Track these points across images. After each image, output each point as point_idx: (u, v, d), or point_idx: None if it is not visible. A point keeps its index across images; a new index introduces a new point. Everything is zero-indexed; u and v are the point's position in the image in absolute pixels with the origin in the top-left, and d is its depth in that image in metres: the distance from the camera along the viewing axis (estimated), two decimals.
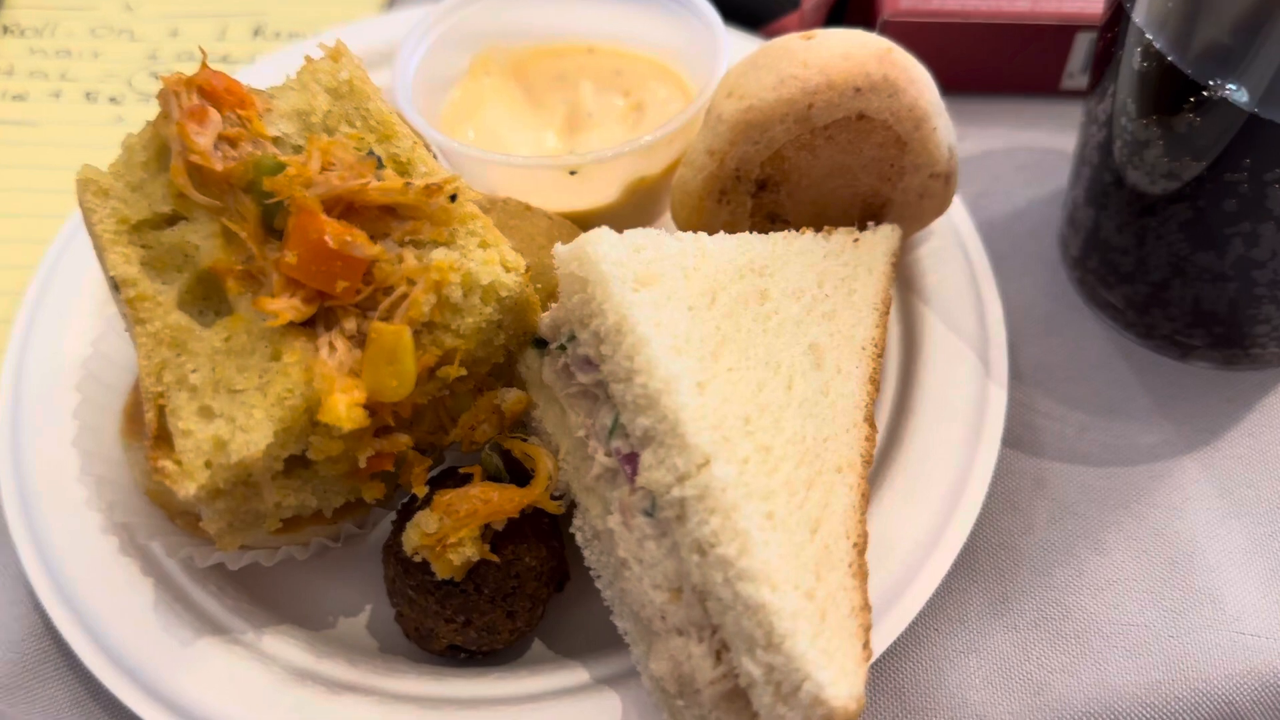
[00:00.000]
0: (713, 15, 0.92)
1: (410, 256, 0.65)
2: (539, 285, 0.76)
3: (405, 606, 0.70)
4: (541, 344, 0.72)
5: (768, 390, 0.66)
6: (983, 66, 1.03)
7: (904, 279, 0.88)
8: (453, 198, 0.66)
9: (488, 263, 0.66)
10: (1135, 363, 0.88)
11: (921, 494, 0.76)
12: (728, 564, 0.58)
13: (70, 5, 1.16)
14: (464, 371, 0.67)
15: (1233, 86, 0.69)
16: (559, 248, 0.68)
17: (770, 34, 1.04)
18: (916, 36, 1.01)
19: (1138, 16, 0.73)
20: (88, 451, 0.75)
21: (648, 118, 0.94)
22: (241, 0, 1.17)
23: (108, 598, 0.72)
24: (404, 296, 0.64)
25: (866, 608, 0.61)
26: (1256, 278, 0.78)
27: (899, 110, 0.77)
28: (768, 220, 0.84)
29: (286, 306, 0.62)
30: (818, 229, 0.81)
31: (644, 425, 0.63)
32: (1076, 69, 1.03)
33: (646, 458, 0.63)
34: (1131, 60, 0.75)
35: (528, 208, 0.83)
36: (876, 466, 0.78)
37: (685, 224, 0.84)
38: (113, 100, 1.08)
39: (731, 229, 0.83)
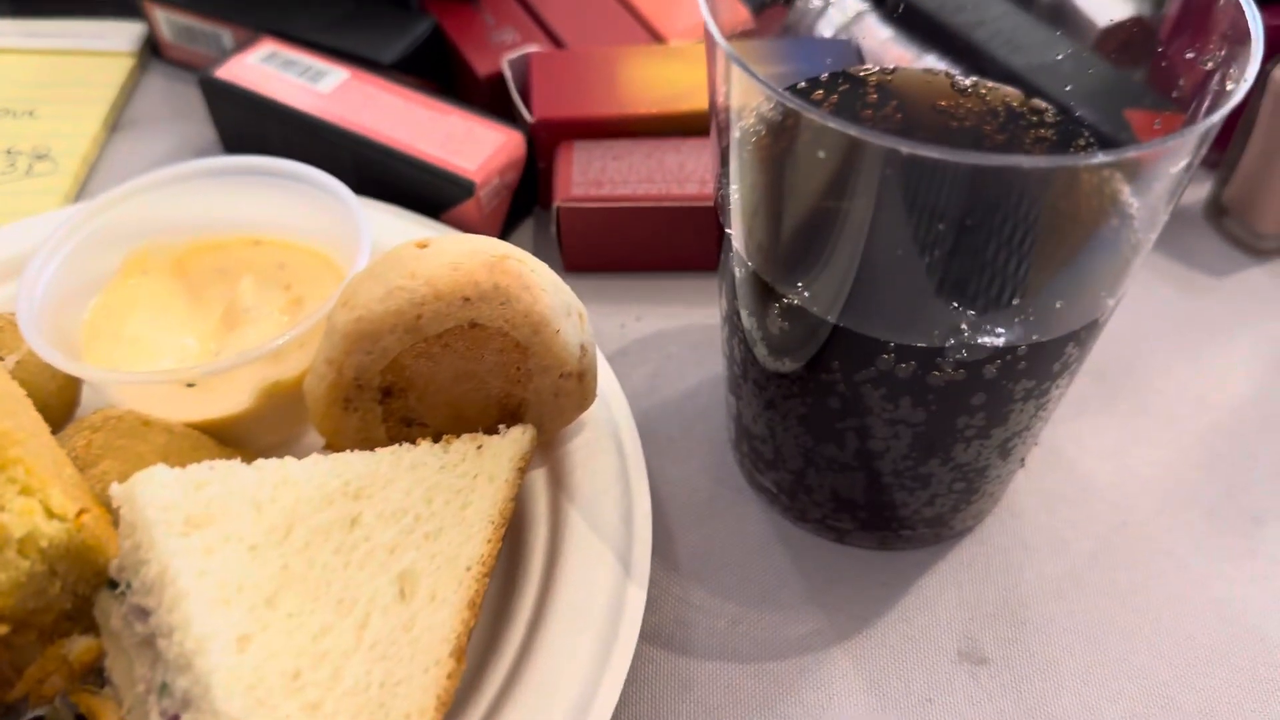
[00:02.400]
0: (353, 204, 0.91)
1: None
2: None
3: None
4: (115, 585, 0.68)
5: (332, 635, 0.63)
6: (654, 246, 1.04)
7: (553, 477, 0.86)
8: None
9: (25, 513, 0.62)
10: (794, 546, 0.87)
11: (545, 713, 0.73)
12: None
13: None
14: (7, 628, 0.63)
15: (810, 295, 0.70)
16: (115, 487, 0.64)
17: (449, 221, 1.04)
18: (590, 220, 1.02)
19: (730, 229, 0.74)
20: None
21: (306, 310, 0.92)
22: None
23: None
24: None
25: None
26: (880, 468, 0.78)
27: (513, 317, 0.76)
28: (403, 424, 0.82)
29: None
30: (456, 432, 0.80)
31: (183, 686, 0.59)
32: None
33: None
34: (730, 266, 0.75)
35: (145, 423, 0.79)
36: (504, 686, 0.74)
37: (321, 429, 0.81)
38: None
39: (365, 434, 0.81)
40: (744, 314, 0.76)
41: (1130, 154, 0.59)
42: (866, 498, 0.81)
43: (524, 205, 1.12)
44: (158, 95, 1.31)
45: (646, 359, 0.99)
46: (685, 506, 0.90)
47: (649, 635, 0.82)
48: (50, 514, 0.63)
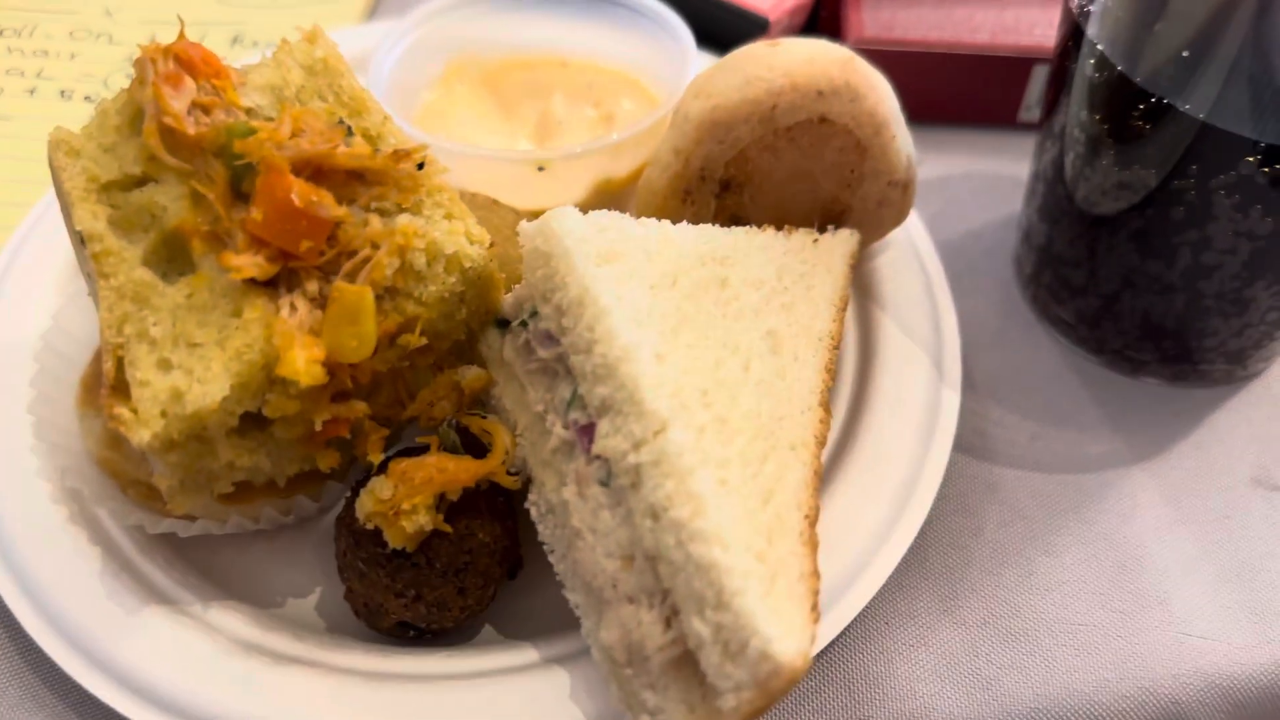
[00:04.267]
0: (684, 31, 0.94)
1: (375, 221, 0.65)
2: (503, 274, 0.77)
3: (355, 581, 0.69)
4: (503, 324, 0.73)
5: (725, 368, 0.67)
6: (943, 96, 1.06)
7: (861, 286, 0.89)
8: (420, 165, 0.67)
9: (452, 233, 0.67)
10: (1086, 377, 0.90)
11: (873, 488, 0.77)
12: (680, 526, 0.58)
13: (51, 9, 1.18)
14: (424, 341, 0.68)
15: (1180, 96, 0.72)
16: (524, 225, 0.69)
17: None
18: (880, 64, 1.04)
19: (1091, 30, 0.76)
20: (42, 418, 0.74)
21: (617, 129, 0.96)
22: (221, 10, 1.19)
23: (52, 563, 0.72)
24: (367, 259, 0.64)
25: (815, 574, 0.61)
26: (1203, 289, 0.80)
27: (860, 115, 0.80)
28: (731, 222, 0.85)
29: (249, 263, 0.62)
30: (779, 229, 0.83)
31: (602, 394, 0.64)
32: (1033, 101, 1.06)
33: (603, 426, 0.64)
34: (1085, 74, 0.77)
35: (495, 202, 0.84)
36: (829, 459, 0.78)
37: None
38: (87, 99, 1.09)
39: None
40: (1090, 128, 0.79)
41: None
42: (1178, 324, 0.83)
43: None
44: None
45: (929, 201, 1.02)
46: (975, 336, 0.92)
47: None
48: (471, 239, 0.68)
